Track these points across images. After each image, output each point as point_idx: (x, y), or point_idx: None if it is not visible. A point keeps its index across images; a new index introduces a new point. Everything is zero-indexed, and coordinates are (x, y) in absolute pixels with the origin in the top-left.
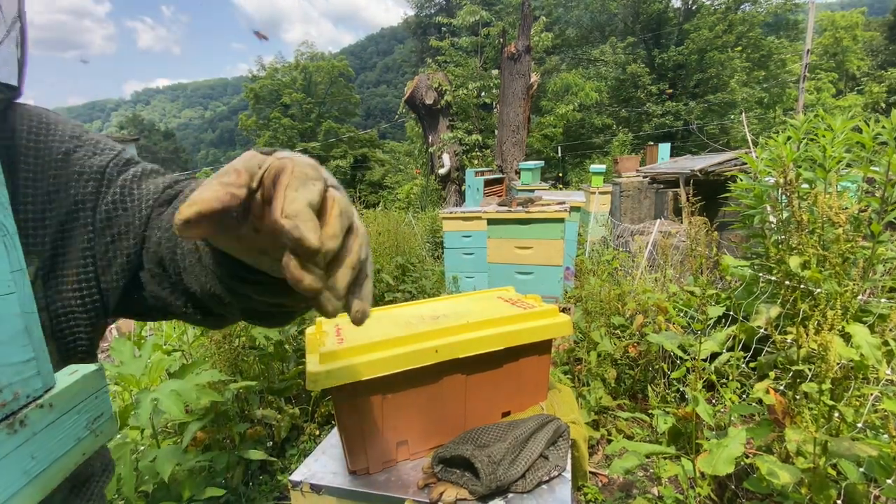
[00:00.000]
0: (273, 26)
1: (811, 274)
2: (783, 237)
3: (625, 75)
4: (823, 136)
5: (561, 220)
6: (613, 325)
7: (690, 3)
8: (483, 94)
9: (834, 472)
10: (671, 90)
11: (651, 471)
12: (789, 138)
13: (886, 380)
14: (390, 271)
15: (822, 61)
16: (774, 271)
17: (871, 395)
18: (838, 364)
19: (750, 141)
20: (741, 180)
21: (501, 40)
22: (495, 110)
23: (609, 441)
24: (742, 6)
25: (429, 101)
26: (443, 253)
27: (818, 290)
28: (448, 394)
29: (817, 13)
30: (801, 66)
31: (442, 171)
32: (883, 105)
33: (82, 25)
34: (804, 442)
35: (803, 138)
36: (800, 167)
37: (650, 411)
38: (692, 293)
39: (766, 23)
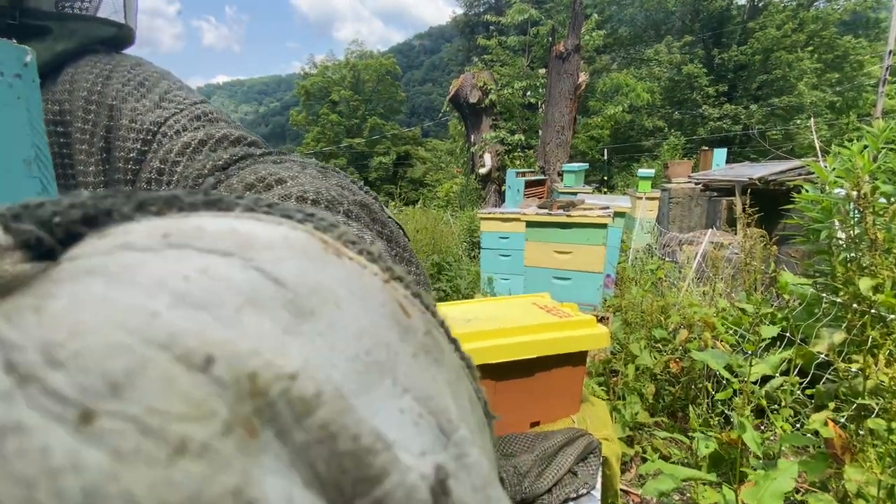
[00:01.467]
0: (326, 25)
1: (885, 298)
2: (853, 256)
3: (680, 76)
4: None
5: (604, 226)
6: (654, 338)
7: (756, 0)
8: (529, 93)
9: None
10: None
11: (688, 495)
12: (865, 147)
13: None
14: (426, 269)
15: None
16: (841, 293)
17: None
18: None
19: (818, 148)
20: (807, 191)
21: (551, 39)
22: (540, 110)
23: (644, 459)
24: (815, 3)
25: (473, 100)
26: (479, 253)
27: (891, 316)
28: None
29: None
30: (881, 68)
31: (482, 170)
32: None
33: (154, 24)
34: (867, 483)
35: (882, 148)
36: (876, 179)
37: (690, 433)
38: (744, 311)
39: (843, 21)
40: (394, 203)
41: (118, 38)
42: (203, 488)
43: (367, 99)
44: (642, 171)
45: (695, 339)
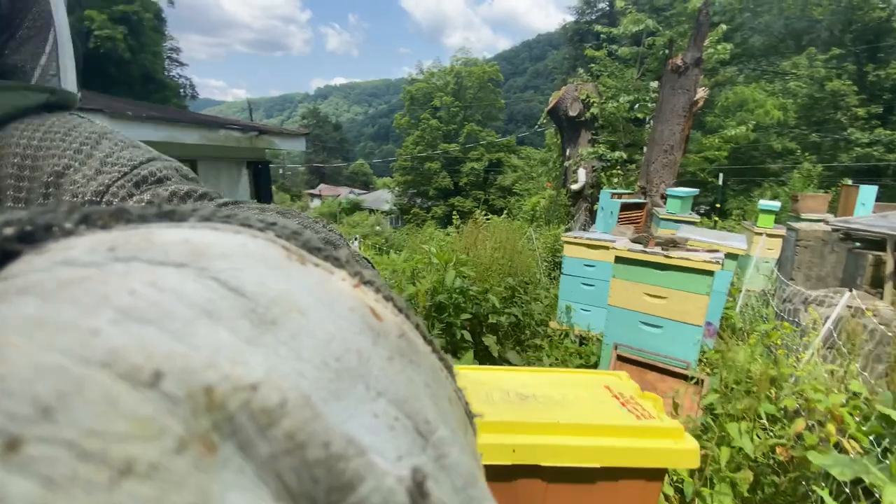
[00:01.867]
0: (436, 31)
1: None
2: None
3: (822, 93)
4: None
5: (710, 273)
6: (759, 414)
7: None
8: (636, 106)
9: None
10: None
11: None
12: None
13: None
14: (498, 292)
15: None
16: None
17: None
18: None
19: None
20: None
21: (667, 51)
22: (647, 126)
23: None
24: None
25: (572, 113)
26: (560, 276)
27: None
28: (522, 499)
29: None
30: None
31: (575, 186)
32: None
33: (288, 30)
34: None
35: None
36: None
37: None
38: (888, 418)
39: None
40: (480, 209)
41: (52, 104)
42: None
43: (467, 105)
44: (765, 203)
45: (813, 428)
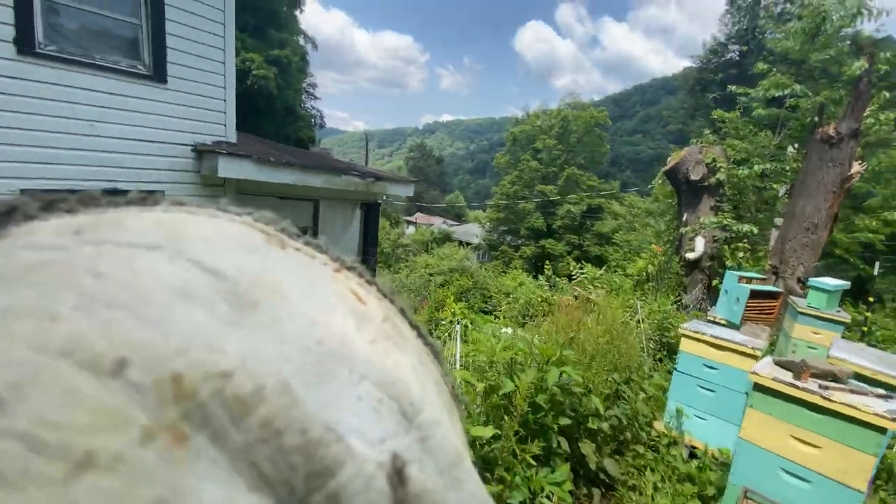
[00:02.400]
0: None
1: None
2: None
3: None
4: None
5: (883, 431)
6: None
7: None
8: (769, 173)
9: None
10: None
11: None
12: None
13: None
14: (600, 392)
15: None
16: None
17: None
18: None
19: None
20: None
21: (817, 118)
22: (782, 196)
23: None
24: None
25: (695, 177)
26: (673, 371)
27: None
28: None
29: None
30: None
31: (691, 255)
32: None
33: (407, 70)
34: None
35: None
36: None
37: None
38: None
39: None
40: (572, 255)
41: None
42: None
43: (570, 149)
44: None
45: None
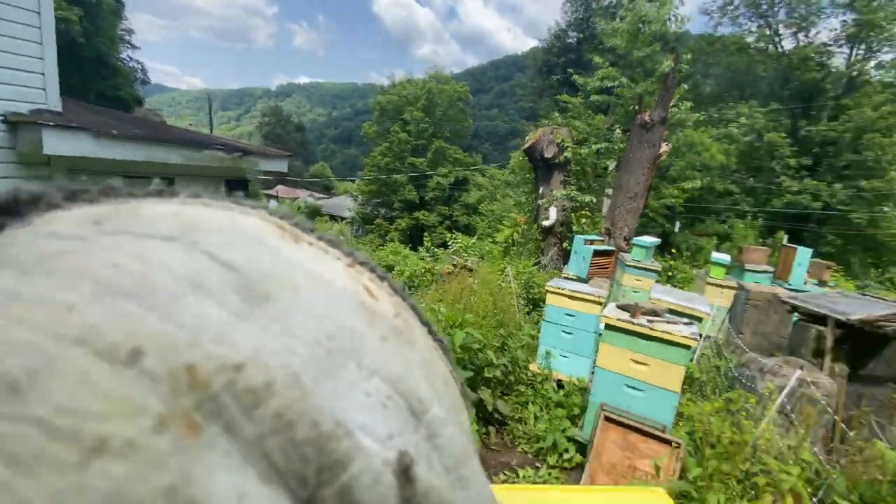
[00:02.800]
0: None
1: None
2: None
3: (760, 143)
4: None
5: (688, 347)
6: (724, 482)
7: (855, 74)
8: (602, 151)
9: None
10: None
11: None
12: None
13: None
14: (492, 345)
15: None
16: None
17: None
18: None
19: None
20: None
21: (637, 107)
22: (612, 171)
23: None
24: None
25: (548, 155)
26: (541, 319)
27: None
28: None
29: None
30: None
31: (546, 223)
32: None
33: (252, 23)
34: None
35: None
36: None
37: None
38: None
39: None
40: (443, 225)
41: None
42: (126, 490)
43: (436, 122)
44: (717, 256)
45: (776, 501)
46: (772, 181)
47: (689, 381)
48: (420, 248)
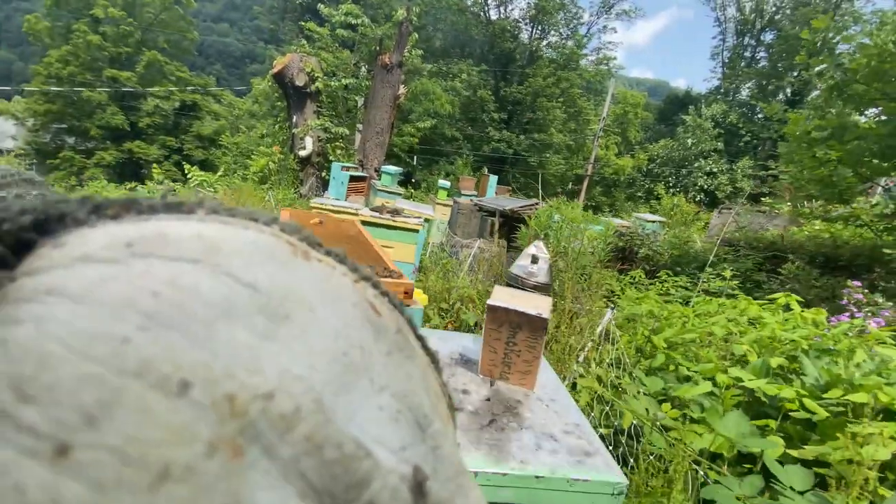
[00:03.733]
0: None
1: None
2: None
3: (475, 97)
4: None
5: (416, 231)
6: (443, 308)
7: (534, 49)
8: (351, 87)
9: None
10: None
11: None
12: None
13: None
14: None
15: (613, 126)
16: None
17: None
18: None
19: (540, 196)
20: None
21: (378, 48)
22: (361, 107)
23: None
24: (570, 64)
25: (299, 83)
26: None
27: None
28: None
29: (617, 87)
30: (598, 127)
31: (303, 152)
32: (645, 168)
33: None
34: None
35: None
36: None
37: None
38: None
39: (583, 86)
40: (171, 160)
41: None
42: None
43: (145, 27)
44: (442, 182)
45: (461, 305)
46: (483, 130)
47: (426, 269)
48: (146, 186)
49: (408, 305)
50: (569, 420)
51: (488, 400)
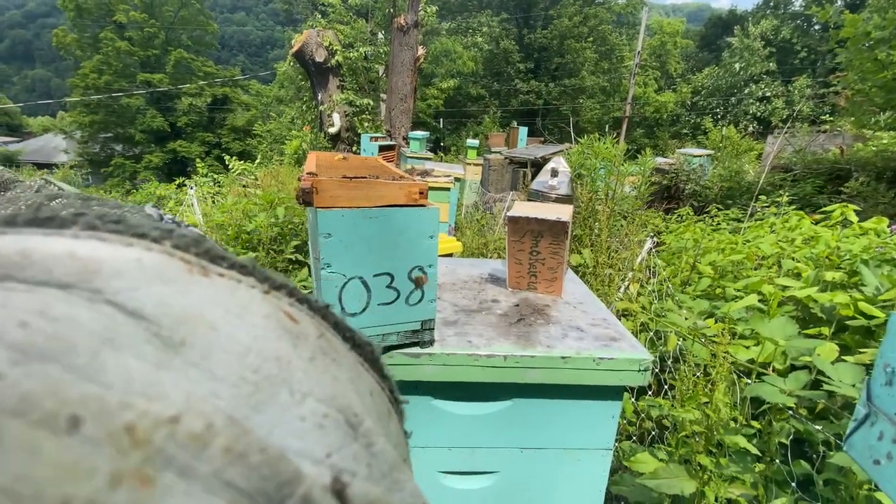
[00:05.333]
0: None
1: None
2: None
3: (498, 50)
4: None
5: (448, 189)
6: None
7: None
8: (370, 56)
9: None
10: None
11: None
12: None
13: None
14: (292, 252)
15: (650, 60)
16: None
17: None
18: None
19: (573, 138)
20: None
21: (392, 10)
22: (382, 75)
23: None
24: (596, 0)
25: (319, 59)
26: None
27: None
28: None
29: (650, 17)
30: (633, 64)
31: (332, 129)
32: (689, 102)
33: None
34: None
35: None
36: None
37: None
38: None
39: (614, 21)
40: (212, 155)
41: None
42: None
43: (168, 26)
44: (470, 142)
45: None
46: (510, 84)
47: (462, 228)
48: (191, 181)
49: (422, 206)
50: (596, 316)
51: (517, 305)
